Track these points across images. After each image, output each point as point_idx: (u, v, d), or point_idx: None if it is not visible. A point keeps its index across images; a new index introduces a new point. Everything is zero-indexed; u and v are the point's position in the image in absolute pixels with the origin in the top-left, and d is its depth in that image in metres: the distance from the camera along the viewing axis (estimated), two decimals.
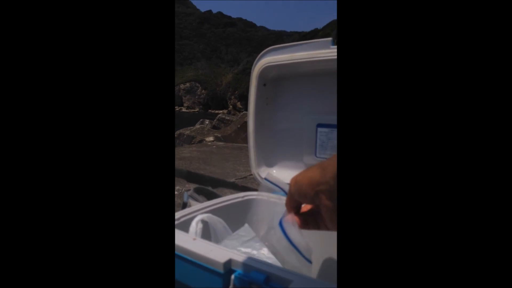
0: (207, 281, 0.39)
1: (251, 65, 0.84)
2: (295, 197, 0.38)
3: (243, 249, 0.47)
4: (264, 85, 0.85)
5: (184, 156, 2.72)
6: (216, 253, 0.39)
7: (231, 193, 0.77)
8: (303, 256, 0.39)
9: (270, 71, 0.83)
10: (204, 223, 0.50)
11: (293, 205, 0.39)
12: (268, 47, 0.82)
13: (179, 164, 2.34)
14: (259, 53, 0.82)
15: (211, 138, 5.23)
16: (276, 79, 0.86)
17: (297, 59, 0.76)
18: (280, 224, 0.40)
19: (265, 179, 0.53)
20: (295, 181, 0.37)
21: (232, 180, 1.81)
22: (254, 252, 0.49)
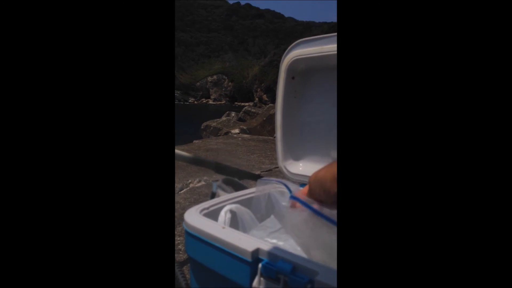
0: (235, 269, 0.40)
1: (278, 57, 0.84)
2: (315, 195, 0.37)
3: (269, 240, 0.48)
4: (293, 78, 0.84)
5: (211, 148, 2.78)
6: (245, 242, 0.40)
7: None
8: (330, 220, 0.38)
9: (299, 64, 0.82)
10: (232, 213, 0.52)
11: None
12: (296, 38, 0.81)
13: (206, 155, 2.39)
14: (286, 45, 0.82)
15: (236, 131, 5.28)
16: (305, 72, 0.85)
17: (326, 52, 0.75)
18: (294, 197, 0.40)
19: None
20: (315, 176, 0.36)
21: (258, 172, 1.83)
22: (281, 243, 0.49)
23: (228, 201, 0.55)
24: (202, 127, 6.43)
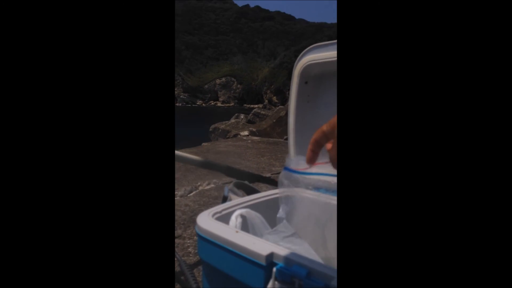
0: (249, 272, 0.40)
1: (288, 59, 0.84)
2: (328, 136, 0.36)
3: (283, 244, 0.49)
4: (306, 83, 0.85)
5: (221, 150, 2.79)
6: (259, 246, 0.40)
7: (268, 188, 0.78)
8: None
9: (312, 69, 0.82)
10: (243, 217, 0.52)
11: (317, 151, 0.39)
12: (307, 40, 0.82)
13: (216, 158, 2.40)
14: (297, 47, 0.83)
15: (246, 133, 5.29)
16: (319, 76, 0.85)
17: None
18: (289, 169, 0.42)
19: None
20: (329, 122, 0.36)
21: (268, 175, 1.83)
22: (295, 247, 0.50)
23: (239, 205, 0.56)
24: (210, 129, 6.46)
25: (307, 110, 0.86)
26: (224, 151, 2.75)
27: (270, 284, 0.39)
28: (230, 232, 0.43)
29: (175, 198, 1.38)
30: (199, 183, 1.68)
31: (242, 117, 7.10)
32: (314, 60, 0.79)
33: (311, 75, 0.84)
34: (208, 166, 0.80)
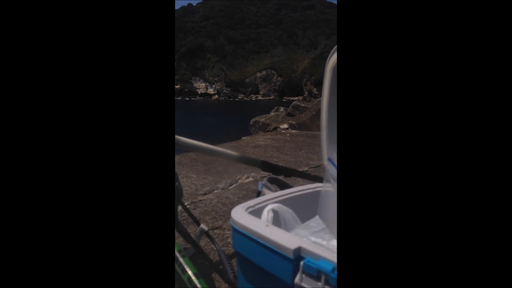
0: (278, 265, 0.43)
1: (329, 48, 0.82)
2: None
3: (313, 239, 0.50)
4: None
5: (259, 144, 2.83)
6: (287, 240, 0.42)
7: (304, 183, 0.79)
8: None
9: None
10: (275, 212, 0.54)
11: None
12: None
13: (254, 152, 2.45)
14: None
15: (285, 126, 5.28)
16: None
17: None
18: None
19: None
20: None
21: (305, 169, 1.82)
22: (324, 242, 0.51)
23: (271, 200, 0.58)
24: (250, 123, 6.54)
25: None
26: (262, 145, 2.78)
27: (297, 277, 0.41)
28: (261, 226, 0.45)
29: (217, 191, 1.45)
30: (238, 177, 1.74)
31: (281, 110, 7.08)
32: None
33: None
34: (244, 161, 0.83)
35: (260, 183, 0.65)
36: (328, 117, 0.84)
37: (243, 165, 1.98)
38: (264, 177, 0.70)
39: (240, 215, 0.50)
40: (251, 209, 0.53)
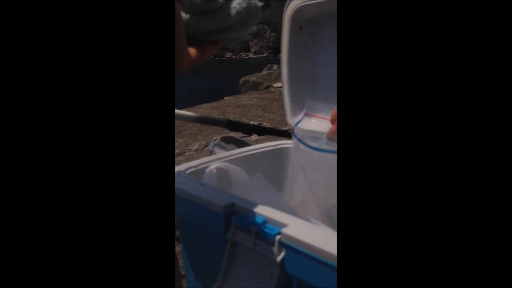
0: (212, 223, 0.43)
1: None
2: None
3: (249, 195, 0.50)
4: (301, 27, 0.79)
5: (243, 104, 2.79)
6: (220, 197, 0.42)
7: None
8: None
9: (306, 12, 0.76)
10: (222, 171, 0.54)
11: None
12: None
13: (235, 112, 2.42)
14: None
15: (279, 84, 5.18)
16: (315, 20, 0.79)
17: None
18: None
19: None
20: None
21: (286, 128, 1.82)
22: (266, 198, 0.51)
23: (220, 160, 0.57)
24: (240, 83, 6.41)
25: (304, 58, 0.81)
26: (246, 105, 2.75)
27: (230, 232, 0.42)
28: (196, 186, 0.45)
29: (188, 153, 1.44)
30: (214, 137, 1.73)
31: (275, 68, 6.89)
32: (307, 1, 0.72)
33: (306, 19, 0.77)
34: (204, 121, 0.82)
35: (212, 143, 0.64)
36: (289, 71, 0.81)
37: (221, 127, 1.96)
38: (216, 139, 0.68)
39: (177, 178, 0.50)
40: (192, 169, 0.52)
